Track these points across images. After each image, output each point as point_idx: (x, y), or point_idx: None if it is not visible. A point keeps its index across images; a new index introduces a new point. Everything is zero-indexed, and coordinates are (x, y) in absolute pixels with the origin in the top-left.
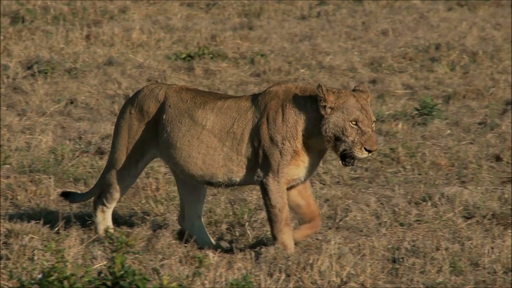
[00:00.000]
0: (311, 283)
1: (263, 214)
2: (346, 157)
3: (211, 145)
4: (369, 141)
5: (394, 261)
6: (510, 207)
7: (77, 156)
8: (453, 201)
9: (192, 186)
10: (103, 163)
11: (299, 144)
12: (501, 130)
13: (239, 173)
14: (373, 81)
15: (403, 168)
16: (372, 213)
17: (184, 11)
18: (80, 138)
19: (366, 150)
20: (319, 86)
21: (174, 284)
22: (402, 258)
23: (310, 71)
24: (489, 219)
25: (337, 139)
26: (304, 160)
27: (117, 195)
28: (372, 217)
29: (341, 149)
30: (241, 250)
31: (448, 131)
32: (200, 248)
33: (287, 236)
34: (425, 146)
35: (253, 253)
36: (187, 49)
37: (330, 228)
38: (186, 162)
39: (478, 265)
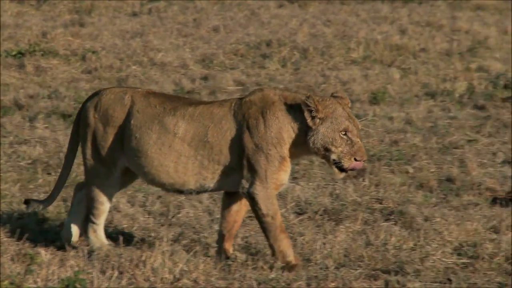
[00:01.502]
0: (144, 280)
1: None
2: (338, 166)
3: (183, 153)
4: (359, 151)
5: (227, 257)
6: (341, 202)
7: None
8: (285, 197)
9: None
10: None
11: (286, 150)
12: None
13: (214, 180)
14: (205, 78)
15: None
16: (205, 209)
17: (14, 8)
18: None
19: (355, 160)
20: (309, 97)
21: (6, 282)
22: (235, 254)
23: (142, 68)
24: (320, 215)
25: (326, 150)
26: (288, 166)
27: (102, 208)
28: (204, 213)
29: (331, 159)
30: (73, 247)
31: None
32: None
33: (285, 244)
34: None
35: (85, 251)
36: (18, 46)
37: (162, 225)
38: (158, 171)
39: (310, 260)
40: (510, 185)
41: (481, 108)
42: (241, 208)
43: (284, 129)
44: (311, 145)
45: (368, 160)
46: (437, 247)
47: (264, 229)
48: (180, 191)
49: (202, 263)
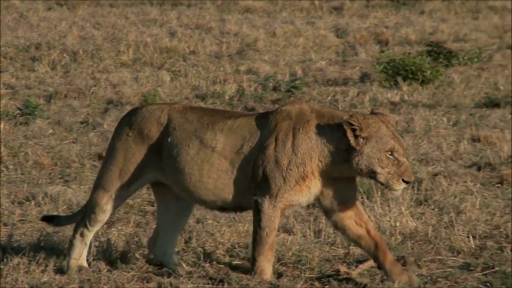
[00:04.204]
0: None
1: None
2: (386, 187)
3: (222, 168)
4: (407, 171)
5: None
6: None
7: None
8: (57, 200)
9: (175, 213)
10: None
11: (309, 169)
12: (103, 129)
13: (250, 196)
14: None
15: (6, 168)
16: None
17: None
18: None
19: (404, 181)
20: (353, 115)
21: None
22: (7, 258)
23: None
24: None
25: (372, 171)
26: (310, 186)
27: (102, 217)
28: None
29: (377, 180)
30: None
31: (51, 130)
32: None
33: (267, 261)
34: (28, 146)
35: None
36: None
37: None
38: (196, 187)
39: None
40: None
41: (251, 110)
42: (367, 228)
43: (315, 149)
44: (354, 165)
45: None
46: (209, 248)
47: (255, 240)
48: (222, 208)
49: None
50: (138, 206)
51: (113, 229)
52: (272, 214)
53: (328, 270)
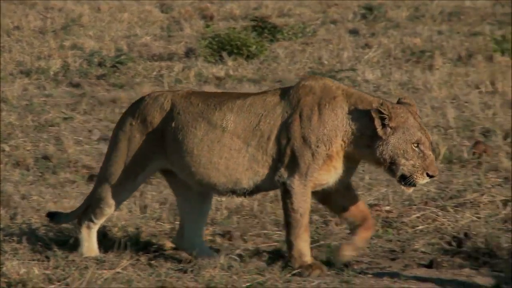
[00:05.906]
0: None
1: None
2: (407, 181)
3: (234, 147)
4: (432, 165)
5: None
6: None
7: None
8: None
9: (195, 202)
10: None
11: (335, 149)
12: None
13: (264, 176)
14: None
15: None
16: None
17: None
18: None
19: (428, 175)
20: (383, 103)
21: None
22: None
23: None
24: None
25: (394, 163)
26: (336, 167)
27: (108, 211)
28: None
29: (398, 173)
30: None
31: None
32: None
33: (305, 243)
34: None
35: None
36: None
37: None
38: (207, 169)
39: None
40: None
41: (76, 85)
42: (356, 203)
43: (340, 128)
44: (377, 154)
45: None
46: (35, 224)
47: (289, 223)
48: (233, 192)
49: None
50: None
51: None
52: (304, 194)
53: (154, 245)
